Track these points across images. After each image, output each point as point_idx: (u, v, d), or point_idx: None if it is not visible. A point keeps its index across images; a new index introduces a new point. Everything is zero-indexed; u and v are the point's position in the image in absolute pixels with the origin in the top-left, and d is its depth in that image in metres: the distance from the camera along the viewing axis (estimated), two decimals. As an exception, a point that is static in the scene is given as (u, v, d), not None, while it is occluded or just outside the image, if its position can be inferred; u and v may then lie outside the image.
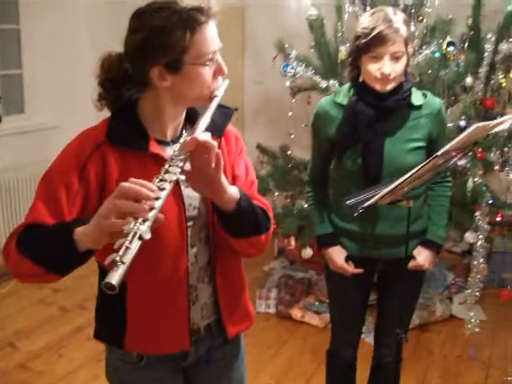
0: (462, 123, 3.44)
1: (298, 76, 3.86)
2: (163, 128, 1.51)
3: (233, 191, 1.42)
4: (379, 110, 2.13)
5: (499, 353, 3.56)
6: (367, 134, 2.13)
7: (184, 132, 1.55)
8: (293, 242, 4.03)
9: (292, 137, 4.02)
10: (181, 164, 1.27)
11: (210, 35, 1.40)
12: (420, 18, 3.67)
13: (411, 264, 2.25)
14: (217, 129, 1.52)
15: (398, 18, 2.05)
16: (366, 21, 2.08)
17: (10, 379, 3.28)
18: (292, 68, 3.83)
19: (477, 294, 3.46)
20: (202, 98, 1.45)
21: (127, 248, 1.09)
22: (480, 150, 3.42)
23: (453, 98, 3.68)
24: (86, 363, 3.41)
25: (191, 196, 1.52)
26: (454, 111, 3.67)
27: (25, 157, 4.71)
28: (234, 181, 1.57)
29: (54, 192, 1.41)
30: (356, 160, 2.18)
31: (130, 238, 1.10)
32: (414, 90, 2.19)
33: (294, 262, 4.67)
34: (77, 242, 1.25)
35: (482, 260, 3.42)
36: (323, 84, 3.73)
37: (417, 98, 2.18)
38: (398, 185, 1.79)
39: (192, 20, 1.36)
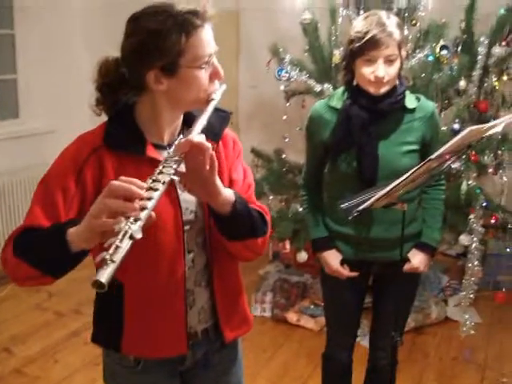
0: (456, 126, 3.46)
1: (292, 80, 3.87)
2: (160, 132, 1.51)
3: (228, 194, 1.42)
4: (373, 113, 2.14)
5: (494, 355, 3.57)
6: (361, 137, 2.14)
7: (181, 136, 1.55)
8: (288, 246, 4.04)
9: (286, 140, 4.02)
10: (175, 165, 1.27)
11: (206, 38, 1.40)
12: (413, 21, 3.68)
13: (406, 267, 2.26)
14: (214, 133, 1.53)
15: (391, 21, 2.05)
16: (359, 25, 2.08)
17: (5, 384, 3.27)
18: (286, 72, 3.84)
19: (471, 296, 3.47)
20: (199, 101, 1.45)
21: (117, 247, 1.08)
22: (474, 152, 3.43)
23: (446, 101, 3.70)
24: (82, 368, 3.40)
25: (188, 200, 1.53)
26: (447, 114, 3.68)
27: (20, 161, 4.71)
28: (231, 184, 1.57)
29: (51, 196, 1.41)
30: (351, 163, 2.18)
31: (120, 236, 1.09)
32: (407, 93, 2.20)
33: (289, 266, 4.67)
34: (69, 242, 1.25)
35: (476, 262, 3.42)
36: (317, 88, 3.74)
37: (410, 101, 2.19)
38: (393, 188, 1.80)
39: (187, 23, 1.37)
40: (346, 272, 2.30)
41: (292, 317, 3.97)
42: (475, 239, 3.42)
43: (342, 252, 2.31)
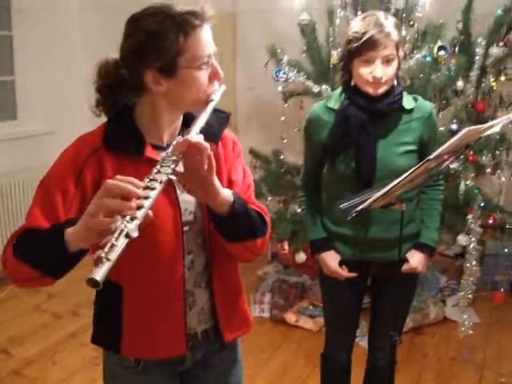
0: (454, 127, 3.46)
1: (290, 81, 3.88)
2: (160, 133, 1.51)
3: (226, 194, 1.42)
4: (371, 114, 2.14)
5: (493, 355, 3.58)
6: (359, 138, 2.14)
7: (180, 136, 1.55)
8: (286, 247, 4.04)
9: (285, 141, 4.03)
10: (172, 165, 1.27)
11: (205, 39, 1.41)
12: (411, 22, 3.69)
13: (405, 267, 2.26)
14: (213, 133, 1.53)
15: (389, 22, 2.06)
16: (357, 25, 2.09)
17: (4, 386, 3.27)
18: (284, 73, 3.85)
19: (470, 296, 3.47)
20: (199, 101, 1.45)
21: (113, 245, 1.08)
22: (472, 153, 3.43)
23: (444, 101, 3.71)
24: (81, 369, 3.41)
25: (187, 201, 1.53)
26: (445, 115, 3.69)
27: (18, 163, 4.71)
28: (230, 185, 1.57)
29: (51, 197, 1.42)
30: (349, 163, 2.18)
31: (116, 235, 1.09)
32: (404, 93, 2.20)
33: (288, 267, 4.67)
34: (67, 242, 1.25)
35: (474, 263, 3.43)
36: (315, 89, 3.74)
37: (408, 101, 2.19)
38: (391, 188, 1.80)
39: (186, 24, 1.37)
40: (344, 273, 2.30)
41: (291, 317, 3.97)
42: (473, 239, 3.42)
43: (341, 253, 2.32)
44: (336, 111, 2.20)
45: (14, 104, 5.00)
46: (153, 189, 1.19)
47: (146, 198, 1.17)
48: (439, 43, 3.51)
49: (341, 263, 2.31)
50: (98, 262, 1.07)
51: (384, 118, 2.16)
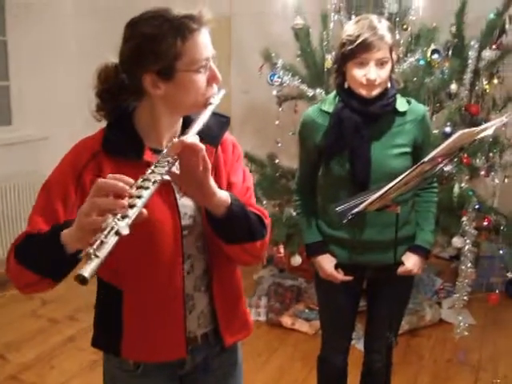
0: (448, 129, 3.48)
1: (284, 85, 3.89)
2: (159, 137, 1.52)
3: (223, 195, 1.42)
4: (365, 116, 2.15)
5: (488, 356, 3.59)
6: (353, 140, 2.15)
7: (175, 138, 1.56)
8: (282, 250, 4.04)
9: (279, 145, 4.04)
10: (167, 166, 1.27)
11: (203, 42, 1.41)
12: (404, 26, 3.71)
13: (400, 270, 2.26)
14: (213, 137, 1.54)
15: (382, 25, 2.07)
16: (351, 28, 2.10)
17: (1, 391, 3.27)
18: (278, 77, 3.86)
19: (465, 298, 3.48)
20: (197, 105, 1.46)
21: (102, 242, 1.07)
22: (466, 155, 3.45)
23: (438, 104, 3.72)
24: (79, 374, 3.40)
25: (186, 205, 1.53)
26: (439, 118, 3.71)
27: (12, 168, 4.70)
28: (229, 187, 1.57)
29: (52, 203, 1.43)
30: (344, 166, 2.19)
31: (105, 232, 1.08)
32: (398, 96, 2.21)
33: (283, 270, 4.67)
34: (64, 244, 1.26)
35: (469, 265, 3.44)
36: (310, 92, 3.76)
37: (401, 104, 2.20)
38: (386, 191, 1.81)
39: (183, 27, 1.38)
40: (340, 276, 2.30)
41: (287, 321, 3.97)
42: (468, 241, 3.44)
43: (336, 256, 2.32)
44: (330, 114, 2.21)
45: (8, 109, 5.00)
46: (146, 188, 1.19)
47: (139, 197, 1.16)
48: (432, 46, 3.53)
49: (336, 266, 2.31)
50: (87, 258, 1.06)
51: (378, 120, 2.17)
